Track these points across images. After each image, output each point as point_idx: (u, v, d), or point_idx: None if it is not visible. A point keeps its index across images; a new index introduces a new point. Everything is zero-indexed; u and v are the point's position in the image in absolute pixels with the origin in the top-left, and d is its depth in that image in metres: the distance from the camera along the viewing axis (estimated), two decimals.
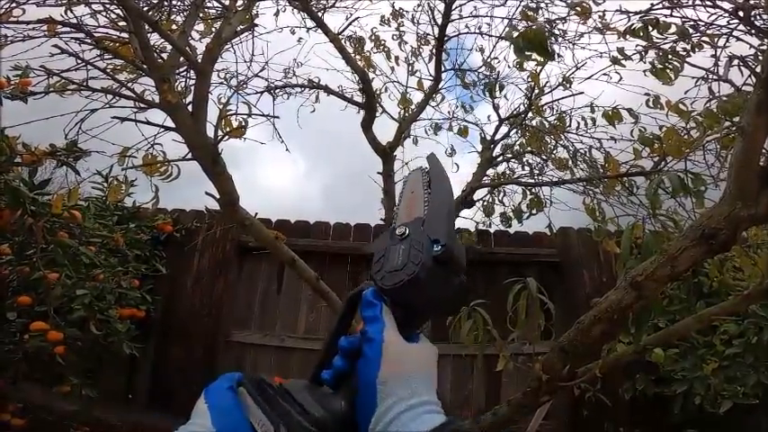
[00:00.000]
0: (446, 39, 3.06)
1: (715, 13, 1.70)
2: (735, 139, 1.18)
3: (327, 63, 3.10)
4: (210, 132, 1.63)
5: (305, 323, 3.67)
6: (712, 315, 1.58)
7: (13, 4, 1.78)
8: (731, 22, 1.67)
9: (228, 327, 3.60)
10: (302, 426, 0.51)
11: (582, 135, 2.92)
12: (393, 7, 3.30)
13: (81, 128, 1.83)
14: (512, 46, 1.67)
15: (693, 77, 1.77)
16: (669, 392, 2.93)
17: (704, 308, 1.75)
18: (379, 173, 2.94)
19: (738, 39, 1.65)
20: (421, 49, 3.33)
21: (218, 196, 1.71)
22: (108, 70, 1.85)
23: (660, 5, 1.78)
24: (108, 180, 2.68)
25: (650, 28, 1.81)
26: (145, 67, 1.63)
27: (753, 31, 1.56)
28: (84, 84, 1.75)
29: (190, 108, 1.62)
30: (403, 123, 3.16)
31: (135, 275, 3.16)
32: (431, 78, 3.23)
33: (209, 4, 2.24)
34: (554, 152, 3.11)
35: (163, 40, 1.73)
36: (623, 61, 2.09)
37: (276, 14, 3.02)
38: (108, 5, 1.91)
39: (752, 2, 1.50)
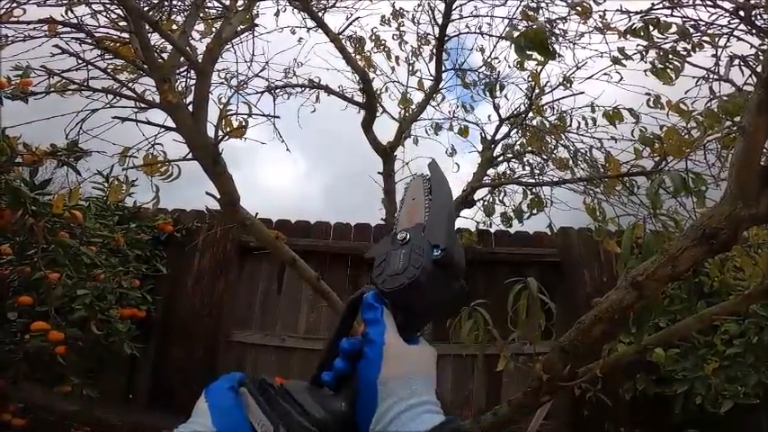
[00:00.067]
0: (446, 38, 3.06)
1: (716, 13, 1.70)
2: (735, 139, 1.18)
3: (328, 63, 3.11)
4: (211, 132, 1.63)
5: (305, 323, 3.67)
6: (713, 315, 1.58)
7: (14, 4, 1.78)
8: (732, 21, 1.67)
9: (229, 327, 3.60)
10: (302, 426, 0.52)
11: (582, 135, 2.93)
12: (393, 7, 3.31)
13: (82, 128, 1.83)
14: (512, 45, 1.67)
15: (694, 77, 1.77)
16: (670, 392, 2.93)
17: (705, 308, 1.76)
18: (379, 173, 2.94)
19: (739, 38, 1.65)
20: (421, 49, 3.34)
21: (218, 196, 1.71)
22: (109, 70, 1.85)
23: (661, 5, 1.78)
24: (109, 180, 2.69)
25: (651, 28, 1.80)
26: (145, 67, 1.63)
27: (753, 31, 1.56)
28: (85, 84, 1.75)
29: (190, 108, 1.62)
30: (403, 123, 3.16)
31: (136, 275, 3.16)
32: (431, 78, 3.23)
33: (209, 4, 2.24)
34: (555, 152, 3.11)
35: (163, 40, 1.73)
36: (624, 61, 2.09)
37: (276, 14, 3.03)
38: (108, 5, 1.91)
39: (752, 1, 1.50)
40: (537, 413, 2.01)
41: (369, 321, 0.56)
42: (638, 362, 2.71)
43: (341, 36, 2.90)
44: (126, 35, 1.84)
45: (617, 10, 1.91)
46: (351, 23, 3.06)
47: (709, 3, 1.69)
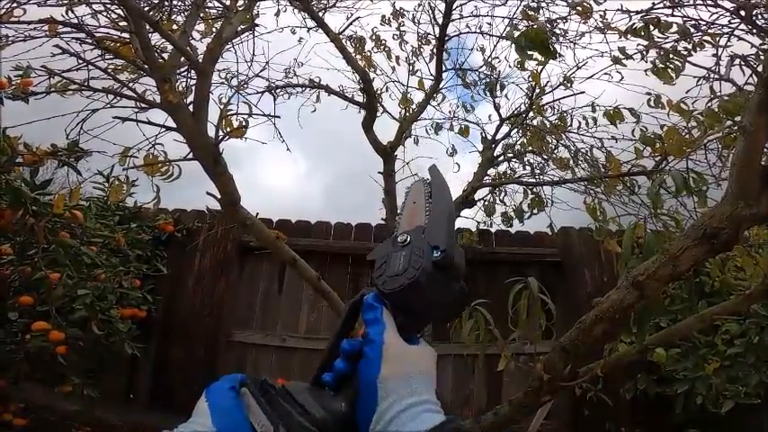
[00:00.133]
0: (447, 38, 3.06)
1: (716, 13, 1.70)
2: (736, 139, 1.18)
3: (328, 63, 3.11)
4: (212, 132, 1.63)
5: (306, 323, 3.67)
6: (714, 315, 1.58)
7: (14, 5, 1.78)
8: (732, 21, 1.66)
9: (230, 327, 3.60)
10: (302, 425, 0.52)
11: (583, 134, 2.93)
12: (394, 7, 3.31)
13: (82, 128, 1.83)
14: (513, 45, 1.67)
15: (695, 77, 1.76)
16: (671, 392, 2.93)
17: (706, 307, 1.76)
18: (380, 172, 2.94)
19: (740, 38, 1.65)
20: (422, 49, 3.34)
21: (219, 196, 1.71)
22: (109, 70, 1.85)
23: (661, 5, 1.78)
24: (109, 180, 2.70)
25: (651, 27, 1.80)
26: (146, 67, 1.63)
27: (754, 31, 1.56)
28: (86, 84, 1.75)
29: (191, 108, 1.62)
30: (404, 123, 3.16)
31: (136, 275, 3.16)
32: (432, 78, 3.23)
33: (209, 4, 2.24)
34: (555, 152, 3.11)
35: (164, 40, 1.73)
36: (624, 61, 2.09)
37: (277, 14, 3.03)
38: (109, 5, 1.91)
39: (753, 1, 1.50)
40: (538, 413, 2.01)
41: (369, 321, 0.57)
42: (638, 362, 2.71)
43: (341, 36, 2.90)
44: (126, 35, 1.84)
45: (617, 9, 1.91)
46: (351, 23, 3.06)
47: (709, 2, 1.69)
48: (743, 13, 1.52)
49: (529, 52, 1.59)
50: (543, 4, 2.58)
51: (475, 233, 3.65)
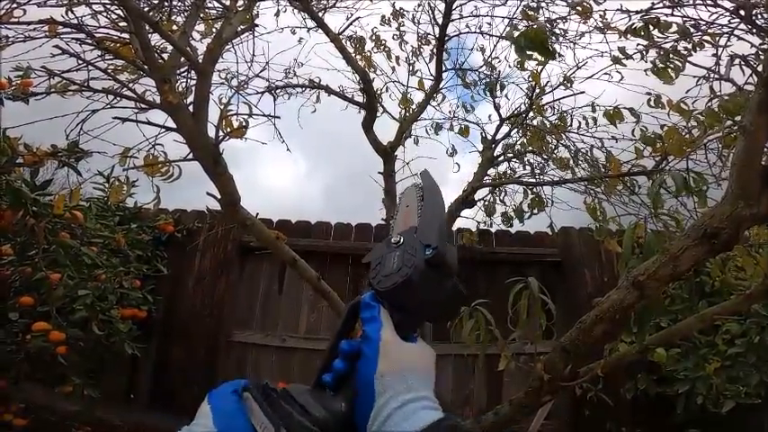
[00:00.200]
0: (447, 38, 3.06)
1: (716, 12, 1.70)
2: (736, 139, 1.18)
3: (328, 63, 3.11)
4: (212, 133, 1.63)
5: (306, 323, 3.67)
6: (714, 315, 1.58)
7: (14, 5, 1.78)
8: (732, 21, 1.66)
9: (230, 327, 3.60)
10: (303, 425, 0.53)
11: (583, 134, 2.92)
12: (393, 7, 3.31)
13: (82, 128, 1.83)
14: (512, 45, 1.67)
15: (695, 77, 1.76)
16: (671, 392, 2.93)
17: (706, 307, 1.76)
18: (380, 173, 2.94)
19: (740, 38, 1.65)
20: (421, 49, 3.34)
21: (219, 196, 1.72)
22: (109, 71, 1.85)
23: (661, 5, 1.78)
24: (109, 180, 2.70)
25: (651, 27, 1.80)
26: (146, 67, 1.63)
27: (754, 30, 1.56)
28: (86, 84, 1.75)
29: (191, 108, 1.62)
30: (404, 123, 3.16)
31: (136, 276, 3.16)
32: (431, 78, 3.24)
33: (209, 5, 2.24)
34: (555, 152, 3.11)
35: (163, 40, 1.73)
36: (624, 60, 2.09)
37: (277, 15, 3.03)
38: (109, 6, 1.91)
39: (753, 1, 1.50)
40: (538, 413, 2.01)
41: (366, 320, 0.58)
42: (639, 362, 2.71)
43: (341, 36, 2.91)
44: (126, 36, 1.84)
45: (617, 9, 1.91)
46: (351, 23, 3.06)
47: (709, 2, 1.69)
48: (742, 12, 1.52)
49: (528, 52, 1.59)
50: (543, 4, 2.59)
51: (475, 233, 3.65)
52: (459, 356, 3.40)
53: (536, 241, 3.85)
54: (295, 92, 3.29)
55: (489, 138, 3.45)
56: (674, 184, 1.44)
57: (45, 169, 2.52)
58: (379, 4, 3.72)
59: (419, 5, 3.19)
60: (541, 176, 3.21)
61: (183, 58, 1.66)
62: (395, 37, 3.37)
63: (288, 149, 2.85)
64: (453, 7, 2.92)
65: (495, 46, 3.23)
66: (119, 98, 1.78)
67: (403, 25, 3.35)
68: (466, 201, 3.17)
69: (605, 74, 2.44)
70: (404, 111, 3.31)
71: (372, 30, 3.35)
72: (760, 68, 1.31)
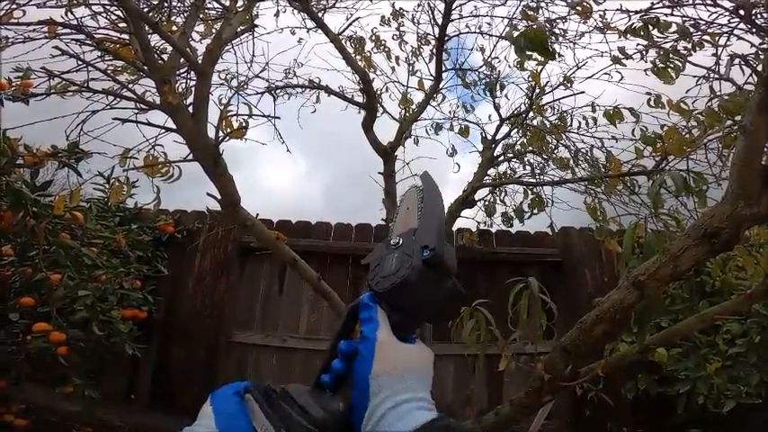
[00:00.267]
0: (446, 38, 3.06)
1: (715, 12, 1.70)
2: (737, 139, 1.18)
3: (328, 63, 3.11)
4: (211, 133, 1.63)
5: (306, 323, 3.67)
6: (715, 314, 1.58)
7: (14, 6, 1.78)
8: (732, 20, 1.66)
9: (230, 327, 3.60)
10: (302, 425, 0.53)
11: (583, 134, 2.92)
12: (393, 7, 3.31)
13: (82, 129, 1.84)
14: (512, 45, 1.67)
15: (694, 76, 1.76)
16: (672, 392, 2.93)
17: (707, 307, 1.76)
18: (380, 173, 2.93)
19: (739, 37, 1.65)
20: (421, 49, 3.34)
21: (219, 197, 1.72)
22: (109, 71, 1.85)
23: (660, 4, 1.78)
24: (109, 181, 2.69)
25: (651, 27, 1.80)
26: (145, 68, 1.63)
27: (754, 30, 1.56)
28: (85, 85, 1.75)
29: (191, 109, 1.62)
30: (404, 123, 3.16)
31: (137, 276, 3.16)
32: (431, 78, 3.23)
33: (209, 5, 2.24)
34: (555, 152, 3.10)
35: (163, 41, 1.73)
36: (624, 60, 2.09)
37: (276, 15, 3.03)
38: (108, 7, 1.91)
39: (752, 0, 1.50)
40: (539, 413, 2.01)
41: (363, 320, 0.59)
42: (639, 361, 2.70)
43: (341, 36, 2.91)
44: (126, 36, 1.84)
45: (617, 9, 1.91)
46: (351, 24, 3.06)
47: (708, 2, 1.69)
48: (742, 12, 1.52)
49: (528, 53, 1.59)
50: (542, 4, 2.58)
51: (475, 233, 3.65)
52: (460, 357, 3.39)
53: (536, 241, 3.85)
54: (295, 92, 3.29)
55: (489, 138, 3.45)
56: (674, 184, 1.44)
57: (45, 170, 2.53)
58: (379, 5, 3.71)
59: (419, 6, 3.19)
60: (541, 176, 3.21)
61: (182, 59, 1.66)
62: (394, 37, 3.37)
63: (288, 150, 2.85)
64: (453, 7, 2.92)
65: (494, 46, 3.23)
66: (119, 99, 1.79)
67: (403, 25, 3.35)
68: (466, 201, 3.17)
69: (605, 74, 2.44)
70: (404, 111, 3.30)
71: (372, 30, 3.35)
72: (760, 68, 1.31)
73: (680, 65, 1.82)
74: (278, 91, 3.15)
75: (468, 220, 3.45)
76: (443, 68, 3.20)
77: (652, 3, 1.78)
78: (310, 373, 0.62)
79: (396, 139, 3.00)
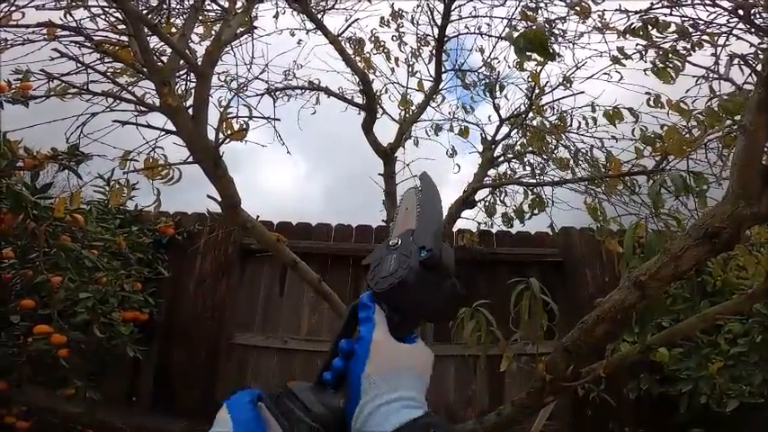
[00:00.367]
0: (446, 39, 3.06)
1: (714, 12, 1.70)
2: (736, 138, 1.18)
3: (327, 65, 3.11)
4: (211, 135, 1.63)
5: (307, 325, 3.67)
6: (716, 314, 1.58)
7: (13, 8, 1.78)
8: (731, 20, 1.66)
9: (231, 329, 3.60)
10: (303, 421, 0.54)
11: (583, 134, 2.92)
12: (392, 8, 3.31)
13: (82, 131, 1.84)
14: (512, 46, 1.67)
15: (694, 76, 1.76)
16: (674, 392, 2.92)
17: (708, 307, 1.75)
18: (380, 174, 2.93)
19: (738, 37, 1.65)
20: (421, 50, 3.34)
21: (219, 199, 1.72)
22: (108, 74, 1.85)
23: (659, 5, 1.78)
24: (110, 183, 2.68)
25: (650, 27, 1.80)
26: (145, 70, 1.63)
27: (752, 30, 1.56)
28: (85, 87, 1.75)
29: (190, 111, 1.62)
30: (404, 124, 3.16)
31: (137, 278, 3.16)
32: (431, 79, 3.23)
33: (208, 7, 2.25)
34: (555, 152, 3.10)
35: (162, 43, 1.73)
36: (623, 60, 2.09)
37: (276, 16, 3.03)
38: (107, 9, 1.91)
39: (751, 0, 1.50)
40: (540, 413, 2.01)
41: (361, 320, 0.60)
42: (641, 361, 2.70)
43: (340, 38, 2.91)
44: (125, 38, 1.84)
45: (616, 9, 1.91)
46: (350, 25, 3.06)
47: (708, 2, 1.69)
48: (741, 12, 1.52)
49: (528, 53, 1.59)
50: (542, 5, 2.58)
51: (476, 234, 3.65)
52: (461, 357, 3.39)
53: (537, 241, 3.84)
54: (294, 94, 3.29)
55: (489, 138, 3.45)
56: (674, 185, 1.44)
57: (45, 172, 2.53)
58: (378, 6, 3.72)
59: (418, 6, 3.19)
60: (542, 177, 3.20)
61: (182, 61, 1.67)
62: (394, 38, 3.37)
63: (288, 152, 2.85)
64: (452, 8, 2.92)
65: (494, 47, 3.23)
66: (118, 101, 1.79)
67: (402, 26, 3.35)
68: (466, 201, 3.17)
69: (605, 74, 2.43)
70: (403, 112, 3.30)
71: (371, 31, 3.35)
72: (759, 68, 1.31)
73: (679, 65, 1.82)
74: (278, 92, 3.14)
75: (469, 220, 3.45)
76: (443, 69, 3.20)
77: (651, 3, 1.78)
78: (311, 375, 0.62)
79: (396, 140, 3.00)
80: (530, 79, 3.08)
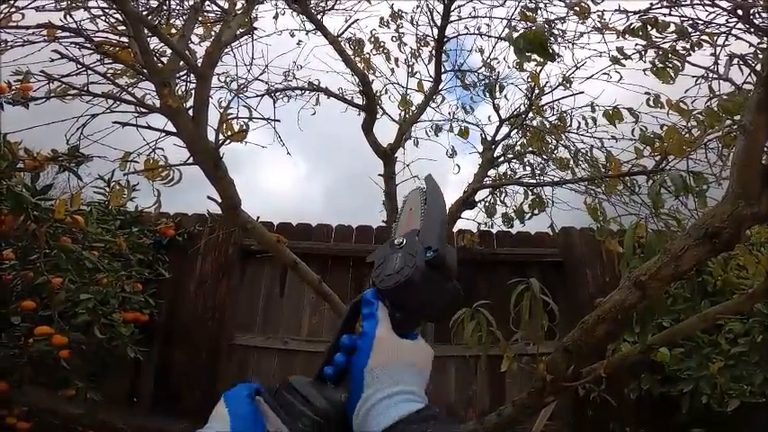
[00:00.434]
0: (445, 40, 3.06)
1: (714, 12, 1.70)
2: (736, 138, 1.18)
3: (327, 65, 3.11)
4: (212, 136, 1.63)
5: (308, 325, 3.67)
6: (717, 314, 1.58)
7: (13, 9, 1.78)
8: (730, 20, 1.66)
9: (231, 330, 3.60)
10: (305, 415, 0.55)
11: (583, 135, 2.91)
12: (392, 9, 3.30)
13: (82, 133, 1.84)
14: (511, 47, 1.67)
15: (693, 76, 1.76)
16: (675, 392, 2.92)
17: (709, 307, 1.75)
18: (380, 175, 2.93)
19: (738, 37, 1.65)
20: (420, 51, 3.33)
21: (219, 200, 1.72)
22: (108, 75, 1.85)
23: (659, 5, 1.78)
24: (110, 185, 2.69)
25: (649, 27, 1.80)
26: (145, 71, 1.64)
27: (752, 30, 1.56)
28: (85, 89, 1.75)
29: (191, 112, 1.62)
30: (403, 125, 3.16)
31: (138, 279, 3.17)
32: (431, 80, 3.23)
33: (208, 8, 2.25)
34: (555, 152, 3.10)
35: (162, 44, 1.73)
36: (623, 60, 2.09)
37: (275, 17, 3.03)
38: (107, 10, 1.92)
39: (750, 0, 1.50)
40: (541, 414, 2.01)
41: (364, 316, 0.61)
42: (642, 361, 2.70)
43: (340, 38, 2.91)
44: (125, 39, 1.84)
45: (615, 10, 1.91)
46: (350, 26, 3.06)
47: (707, 2, 1.69)
48: (740, 12, 1.52)
49: (527, 54, 1.59)
50: (541, 5, 2.58)
51: (476, 234, 3.65)
52: (462, 358, 3.39)
53: (537, 242, 3.84)
54: (294, 94, 3.29)
55: (489, 139, 3.45)
56: (674, 185, 1.44)
57: (46, 174, 2.52)
58: (378, 6, 3.72)
59: (417, 7, 3.19)
60: (542, 177, 3.20)
61: (182, 62, 1.67)
62: (393, 39, 3.37)
63: (288, 152, 2.86)
64: (452, 9, 2.92)
65: (493, 47, 3.23)
66: (118, 102, 1.79)
67: (401, 27, 3.34)
68: (466, 202, 3.17)
69: (604, 74, 2.43)
70: (403, 112, 3.30)
71: (371, 32, 3.35)
72: (759, 68, 1.31)
73: (679, 65, 1.82)
74: (277, 93, 3.14)
75: (469, 221, 3.46)
76: (443, 70, 3.20)
77: (651, 3, 1.78)
78: (312, 375, 0.63)
79: (396, 140, 3.00)
80: (529, 79, 3.08)
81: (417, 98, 3.32)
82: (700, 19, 1.75)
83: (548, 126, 3.07)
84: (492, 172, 3.45)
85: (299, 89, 3.26)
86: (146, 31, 1.53)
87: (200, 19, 2.18)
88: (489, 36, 3.11)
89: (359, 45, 3.28)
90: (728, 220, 1.12)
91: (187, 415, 3.09)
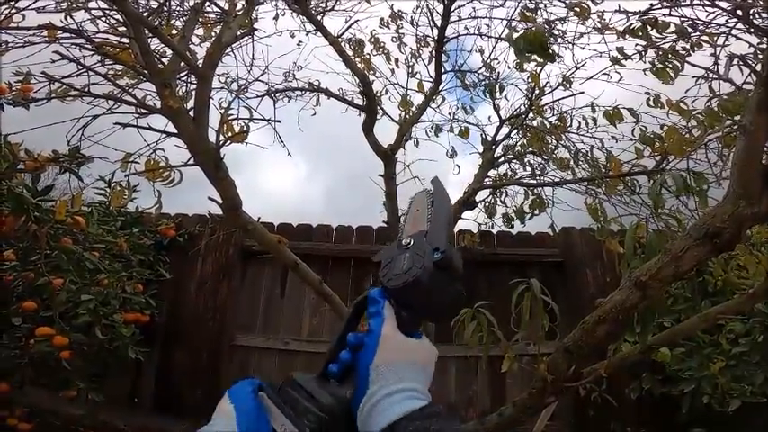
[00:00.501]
0: (445, 40, 3.06)
1: (713, 12, 1.70)
2: (736, 138, 1.18)
3: (327, 66, 3.11)
4: (212, 137, 1.63)
5: (308, 326, 3.67)
6: (718, 314, 1.58)
7: (13, 10, 1.78)
8: (730, 21, 1.66)
9: (232, 331, 3.60)
10: (310, 411, 0.55)
11: (583, 135, 2.91)
12: (392, 9, 3.31)
13: (83, 134, 1.84)
14: (512, 47, 1.67)
15: (693, 76, 1.76)
16: (676, 392, 2.92)
17: (709, 307, 1.75)
18: (380, 175, 2.93)
19: (737, 38, 1.65)
20: (420, 51, 3.33)
21: (220, 201, 1.72)
22: (109, 76, 1.85)
23: (659, 5, 1.78)
24: (111, 186, 2.70)
25: (649, 27, 1.80)
26: (146, 72, 1.64)
27: (752, 30, 1.56)
28: (86, 90, 1.75)
29: (191, 113, 1.62)
30: (404, 125, 3.16)
31: (139, 280, 3.17)
32: (431, 80, 3.23)
33: (208, 9, 2.25)
34: (555, 152, 3.10)
35: (163, 45, 1.74)
36: (623, 61, 2.09)
37: (276, 18, 3.03)
38: (108, 11, 1.92)
39: (750, 0, 1.50)
40: (542, 414, 2.01)
41: (371, 314, 0.62)
42: (643, 361, 2.70)
43: (340, 39, 2.91)
44: (126, 40, 1.85)
45: (615, 10, 1.91)
46: (350, 26, 3.06)
47: (707, 2, 1.69)
48: (740, 12, 1.52)
49: (528, 54, 1.59)
50: (541, 6, 2.59)
51: (476, 234, 3.65)
52: (462, 358, 3.39)
53: (537, 242, 3.84)
54: (295, 95, 3.29)
55: (489, 139, 3.45)
56: (674, 185, 1.44)
57: (46, 175, 2.53)
58: (378, 7, 3.71)
59: (417, 8, 3.19)
60: (542, 177, 3.21)
61: (182, 63, 1.67)
62: (394, 39, 3.37)
63: (288, 153, 2.86)
64: (452, 9, 2.92)
65: (493, 47, 3.23)
66: (119, 103, 1.79)
67: (401, 27, 3.34)
68: (467, 202, 3.17)
69: (604, 74, 2.43)
70: (404, 113, 3.30)
71: (371, 32, 3.35)
72: (759, 68, 1.31)
73: (679, 65, 1.82)
74: (278, 94, 3.14)
75: (469, 221, 3.46)
76: (443, 70, 3.20)
77: (650, 3, 1.78)
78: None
79: (396, 141, 3.00)
80: (529, 80, 3.08)
81: (417, 99, 3.33)
82: (699, 19, 1.75)
83: (548, 126, 3.07)
84: (492, 172, 3.46)
85: (300, 90, 3.26)
86: (146, 32, 1.53)
87: (200, 20, 2.18)
88: (489, 36, 3.11)
89: (359, 46, 3.28)
90: (729, 221, 1.12)
91: (188, 415, 3.09)
